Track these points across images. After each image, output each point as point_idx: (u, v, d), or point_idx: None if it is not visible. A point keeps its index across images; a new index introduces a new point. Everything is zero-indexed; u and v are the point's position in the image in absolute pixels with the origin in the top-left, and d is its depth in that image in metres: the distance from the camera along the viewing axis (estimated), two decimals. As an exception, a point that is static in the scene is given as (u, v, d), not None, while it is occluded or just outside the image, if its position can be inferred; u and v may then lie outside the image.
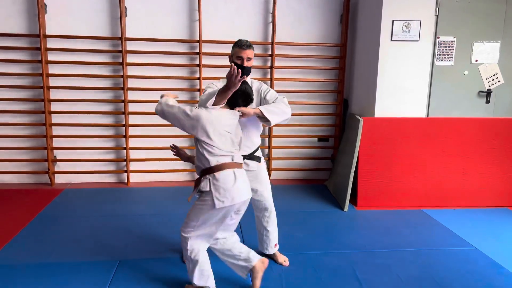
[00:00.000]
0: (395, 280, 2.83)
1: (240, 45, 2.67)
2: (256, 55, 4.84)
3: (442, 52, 4.25)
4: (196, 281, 2.46)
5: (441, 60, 4.27)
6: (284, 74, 4.92)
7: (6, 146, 4.66)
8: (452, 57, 4.27)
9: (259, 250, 3.08)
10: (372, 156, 4.23)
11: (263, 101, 2.78)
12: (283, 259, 3.05)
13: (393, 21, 4.13)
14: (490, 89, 4.34)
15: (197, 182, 2.42)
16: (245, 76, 2.43)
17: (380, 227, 3.77)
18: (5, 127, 4.63)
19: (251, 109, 2.54)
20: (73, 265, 2.92)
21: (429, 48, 4.25)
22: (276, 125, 4.89)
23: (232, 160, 2.38)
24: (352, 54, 4.94)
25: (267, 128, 5.00)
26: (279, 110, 2.65)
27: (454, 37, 4.25)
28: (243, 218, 2.66)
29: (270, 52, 4.83)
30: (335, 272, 2.92)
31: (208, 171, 2.34)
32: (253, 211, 3.01)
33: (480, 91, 4.35)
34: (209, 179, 2.33)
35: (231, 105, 2.44)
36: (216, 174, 2.32)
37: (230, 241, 2.60)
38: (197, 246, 2.44)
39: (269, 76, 4.89)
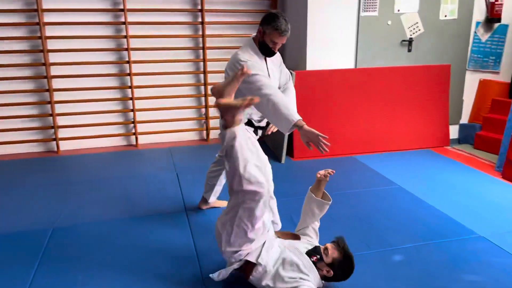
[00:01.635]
0: (327, 220, 3.00)
1: (280, 29, 2.40)
2: (185, 10, 4.70)
3: (367, 3, 4.37)
4: None
5: (367, 11, 4.39)
6: (216, 30, 4.84)
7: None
8: (376, 8, 4.40)
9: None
10: (306, 108, 4.34)
11: (281, 71, 2.76)
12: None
13: (319, -28, 4.16)
14: (412, 38, 4.56)
15: None
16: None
17: (315, 175, 3.94)
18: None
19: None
20: (4, 236, 2.80)
21: (354, -1, 4.35)
22: (212, 83, 4.88)
23: None
24: (283, 7, 4.94)
25: (202, 87, 4.96)
26: (294, 98, 2.82)
27: (378, -12, 4.37)
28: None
29: (200, 7, 4.70)
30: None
31: None
32: None
33: (403, 40, 4.56)
34: None
35: None
36: None
37: None
38: None
39: (200, 33, 4.78)
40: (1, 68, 4.36)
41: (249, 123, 2.76)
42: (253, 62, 2.46)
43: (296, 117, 2.37)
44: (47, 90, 4.49)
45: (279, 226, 2.92)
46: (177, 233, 2.86)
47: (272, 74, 2.62)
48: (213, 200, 3.19)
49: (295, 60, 4.66)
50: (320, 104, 4.39)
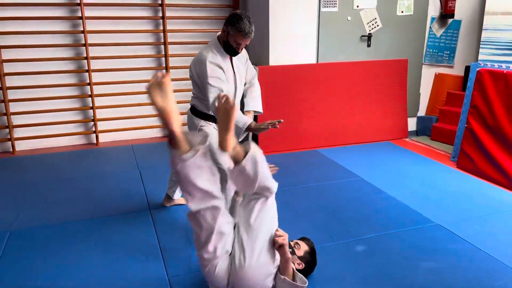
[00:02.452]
0: (293, 215, 3.06)
1: (244, 31, 2.41)
2: (145, 5, 4.61)
3: (327, -1, 4.44)
4: None
5: (327, 7, 4.46)
6: (177, 25, 4.77)
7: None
8: (336, 3, 4.48)
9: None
10: (269, 103, 4.37)
11: (247, 69, 2.78)
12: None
13: (280, -33, 4.18)
14: (371, 33, 4.68)
15: None
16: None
17: (280, 169, 3.97)
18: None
19: (249, 117, 2.65)
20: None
21: (315, -5, 4.40)
22: (174, 79, 4.82)
23: None
24: (245, 3, 4.93)
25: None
26: (259, 94, 2.84)
27: (338, -16, 4.45)
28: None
29: (160, 2, 4.61)
30: (238, 214, 3.06)
31: None
32: None
33: (362, 36, 4.67)
34: None
35: None
36: None
37: None
38: None
39: (161, 28, 4.70)
40: None
41: (209, 117, 2.74)
42: (214, 66, 2.49)
43: (246, 121, 2.52)
44: (0, 89, 4.28)
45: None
46: (141, 232, 2.82)
47: (237, 71, 2.65)
48: (177, 197, 3.17)
49: (258, 55, 4.67)
50: (283, 98, 4.43)
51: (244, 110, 2.79)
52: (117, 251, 2.58)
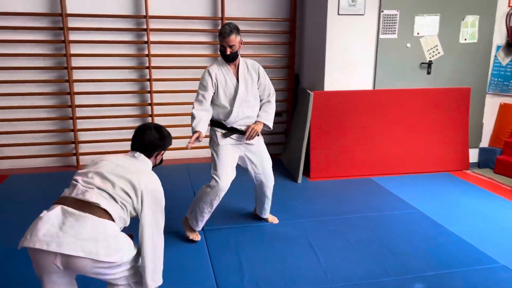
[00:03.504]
0: (345, 244, 2.98)
1: (221, 33, 2.74)
2: (205, 30, 4.78)
3: (386, 26, 4.39)
4: None
5: (386, 33, 4.41)
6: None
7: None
8: (395, 30, 4.42)
9: (257, 214, 3.38)
10: (323, 129, 4.35)
11: (260, 86, 2.98)
12: (273, 218, 3.38)
13: (339, -5, 4.21)
14: (431, 61, 4.55)
15: None
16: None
17: (332, 196, 3.93)
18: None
19: (257, 126, 2.93)
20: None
21: (374, 21, 4.37)
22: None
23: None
24: (302, 29, 4.99)
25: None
26: (273, 112, 3.04)
27: (397, 11, 4.39)
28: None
29: (219, 28, 4.77)
30: (290, 241, 3.03)
31: None
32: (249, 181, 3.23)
33: (422, 63, 4.55)
34: None
35: None
36: None
37: None
38: None
39: (219, 52, 4.84)
40: None
41: (219, 124, 2.93)
42: (207, 75, 2.84)
43: (197, 129, 2.76)
44: (70, 106, 4.58)
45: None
46: (194, 251, 2.86)
47: (243, 81, 2.89)
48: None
49: (312, 80, 4.68)
50: (337, 124, 4.38)
51: (256, 120, 2.99)
52: (170, 270, 2.63)
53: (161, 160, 2.23)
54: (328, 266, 2.70)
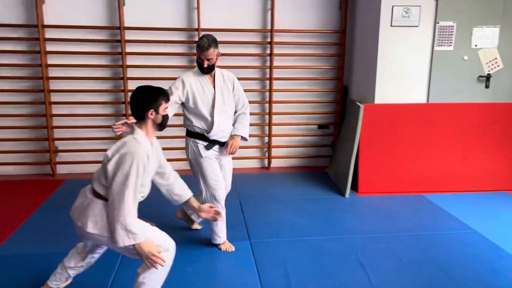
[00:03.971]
0: (398, 264, 2.88)
1: (199, 45, 2.76)
2: (255, 42, 4.84)
3: (442, 37, 4.24)
4: None
5: (441, 45, 4.26)
6: (284, 61, 4.91)
7: (7, 138, 4.65)
8: (452, 42, 4.26)
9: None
10: (372, 142, 4.25)
11: (234, 96, 3.01)
12: (228, 246, 3.10)
13: (393, 6, 4.12)
14: (490, 74, 4.34)
15: None
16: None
17: (381, 212, 3.81)
18: (6, 118, 4.61)
19: (236, 141, 2.95)
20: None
21: (429, 33, 4.24)
22: (276, 113, 4.94)
23: None
24: (352, 40, 4.93)
25: (266, 116, 5.01)
26: (248, 124, 3.08)
27: (454, 22, 4.24)
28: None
29: (269, 40, 4.81)
30: (339, 257, 2.97)
31: None
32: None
33: (480, 76, 4.35)
34: None
35: None
36: None
37: None
38: None
39: (268, 64, 4.88)
40: None
41: (201, 137, 2.91)
42: (180, 82, 2.84)
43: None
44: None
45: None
46: (241, 263, 2.86)
47: (219, 90, 2.92)
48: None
49: (362, 92, 4.60)
50: (387, 138, 4.27)
51: (232, 133, 3.02)
52: (217, 282, 2.64)
53: (163, 119, 2.22)
54: (379, 286, 2.61)
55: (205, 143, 2.93)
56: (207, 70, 2.84)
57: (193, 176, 3.02)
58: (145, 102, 2.13)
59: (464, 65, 4.33)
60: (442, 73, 4.31)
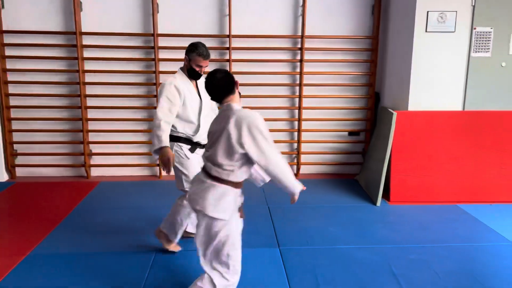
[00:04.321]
0: (433, 276, 2.80)
1: (203, 54, 2.81)
2: (285, 48, 4.84)
3: (479, 44, 4.13)
4: None
5: (478, 52, 4.15)
6: (315, 67, 4.90)
7: (45, 140, 4.83)
8: (489, 49, 4.14)
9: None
10: (405, 150, 4.17)
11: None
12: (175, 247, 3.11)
13: (428, 11, 4.04)
14: (530, 81, 4.20)
15: None
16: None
17: (414, 222, 3.72)
18: (44, 122, 4.80)
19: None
20: (113, 255, 3.02)
21: (465, 39, 4.14)
22: (305, 119, 4.91)
23: None
24: (384, 46, 4.86)
25: (296, 122, 5.00)
26: None
27: (491, 28, 4.12)
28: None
29: (300, 46, 4.81)
30: (370, 267, 2.91)
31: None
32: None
33: (519, 83, 4.21)
34: None
35: None
36: None
37: None
38: None
39: (298, 70, 4.87)
40: None
41: (185, 140, 2.93)
42: (174, 89, 2.80)
43: (162, 144, 2.70)
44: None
45: None
46: (269, 269, 2.85)
47: (204, 96, 2.95)
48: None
49: (395, 99, 4.52)
50: (421, 146, 4.17)
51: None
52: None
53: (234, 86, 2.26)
54: (413, 298, 2.55)
55: (189, 146, 2.97)
56: (199, 77, 2.94)
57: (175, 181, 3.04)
58: (231, 78, 2.22)
59: (502, 72, 4.20)
60: (479, 80, 4.19)
